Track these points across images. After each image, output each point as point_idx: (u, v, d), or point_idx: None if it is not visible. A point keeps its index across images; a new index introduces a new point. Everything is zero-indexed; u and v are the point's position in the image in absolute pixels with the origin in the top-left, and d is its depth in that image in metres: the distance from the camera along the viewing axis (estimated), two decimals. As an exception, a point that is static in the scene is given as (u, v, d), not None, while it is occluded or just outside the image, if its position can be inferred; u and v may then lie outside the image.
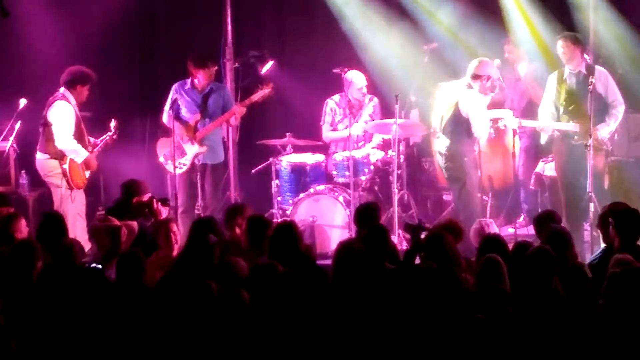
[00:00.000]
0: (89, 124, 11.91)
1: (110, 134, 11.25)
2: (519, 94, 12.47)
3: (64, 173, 10.99)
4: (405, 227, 8.93)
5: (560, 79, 11.09)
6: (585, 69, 11.00)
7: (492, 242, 7.92)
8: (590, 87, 10.54)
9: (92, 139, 11.30)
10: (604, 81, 10.96)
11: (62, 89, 11.13)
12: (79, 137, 11.12)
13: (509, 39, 12.57)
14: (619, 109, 11.03)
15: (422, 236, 8.00)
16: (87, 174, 11.20)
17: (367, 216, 8.98)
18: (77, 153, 11.08)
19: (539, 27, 12.46)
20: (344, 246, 7.53)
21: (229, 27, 12.51)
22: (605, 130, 10.92)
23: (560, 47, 11.03)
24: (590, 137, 10.52)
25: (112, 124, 11.24)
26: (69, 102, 11.06)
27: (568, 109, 11.02)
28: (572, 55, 10.99)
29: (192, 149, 11.59)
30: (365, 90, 12.26)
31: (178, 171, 11.31)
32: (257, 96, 11.74)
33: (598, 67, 11.15)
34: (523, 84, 12.42)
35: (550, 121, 11.08)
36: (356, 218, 9.17)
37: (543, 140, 11.30)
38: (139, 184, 9.99)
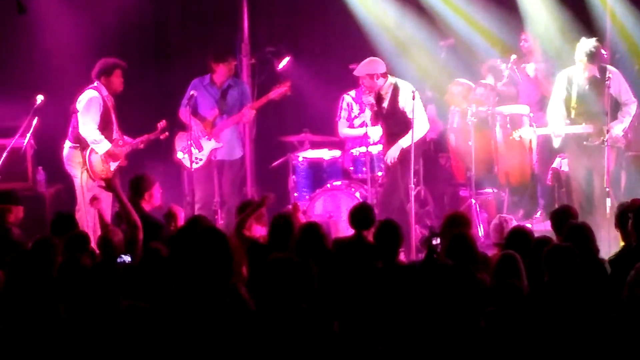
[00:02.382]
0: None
1: (153, 132, 11.27)
2: (532, 88, 12.43)
3: (83, 162, 11.02)
4: (421, 241, 8.94)
5: (571, 80, 11.04)
6: (598, 72, 10.94)
7: (519, 235, 7.92)
8: (608, 82, 10.53)
9: (127, 138, 11.32)
10: (616, 81, 10.92)
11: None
12: (105, 127, 11.15)
13: (527, 35, 12.55)
14: (632, 107, 11.02)
15: (435, 242, 7.93)
16: (113, 166, 11.19)
17: (362, 217, 8.88)
18: (98, 143, 11.10)
19: (555, 23, 12.43)
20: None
21: (245, 23, 12.52)
22: (619, 128, 10.91)
23: (580, 62, 10.94)
24: (607, 133, 10.52)
25: (160, 123, 11.27)
26: (99, 92, 11.11)
27: (580, 110, 10.98)
28: (590, 69, 10.94)
29: (208, 145, 11.61)
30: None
31: (194, 166, 11.32)
32: (273, 94, 11.75)
33: (610, 67, 11.09)
34: (534, 80, 12.39)
35: (562, 125, 11.02)
36: (350, 219, 8.91)
37: (556, 144, 11.22)
38: (144, 180, 9.83)
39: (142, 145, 11.33)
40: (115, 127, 11.28)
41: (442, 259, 7.26)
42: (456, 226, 8.18)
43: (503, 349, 5.92)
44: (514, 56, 12.50)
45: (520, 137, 11.46)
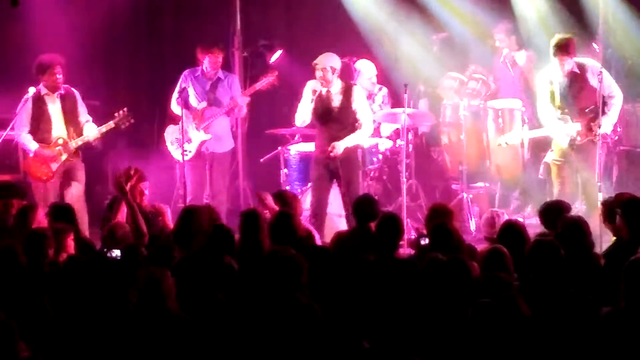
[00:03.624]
0: (97, 112, 11.92)
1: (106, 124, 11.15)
2: (515, 79, 12.42)
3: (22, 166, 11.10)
4: (410, 244, 8.99)
5: (551, 79, 10.99)
6: (576, 67, 10.90)
7: (511, 229, 7.95)
8: (599, 76, 10.51)
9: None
10: (597, 75, 10.90)
11: None
12: (38, 127, 11.09)
13: (500, 27, 12.52)
14: (616, 100, 10.91)
15: (424, 242, 7.96)
16: (55, 166, 11.06)
17: (366, 208, 8.88)
18: (25, 146, 11.14)
19: (547, 16, 12.45)
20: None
21: (238, 16, 12.50)
22: (608, 122, 10.83)
23: (554, 56, 10.88)
24: (598, 128, 10.54)
25: (119, 112, 11.18)
26: (36, 92, 11.08)
27: (565, 108, 10.97)
28: (565, 63, 10.87)
29: (197, 136, 11.55)
30: (375, 80, 12.27)
31: (185, 158, 11.27)
32: (260, 84, 11.71)
33: (590, 61, 11.05)
34: (520, 69, 12.37)
35: (553, 127, 11.00)
36: (354, 211, 9.00)
37: (565, 143, 11.10)
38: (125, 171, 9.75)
39: (94, 142, 11.18)
40: (55, 126, 11.12)
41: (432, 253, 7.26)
42: (439, 218, 8.21)
43: (491, 341, 5.93)
44: (506, 50, 12.51)
45: (507, 143, 11.38)
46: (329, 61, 10.87)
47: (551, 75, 10.99)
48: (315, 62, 10.88)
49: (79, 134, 11.19)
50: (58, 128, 11.15)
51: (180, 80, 11.70)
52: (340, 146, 10.80)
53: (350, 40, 12.83)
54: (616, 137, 11.32)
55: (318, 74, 10.86)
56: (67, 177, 11.16)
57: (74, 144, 11.13)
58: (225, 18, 12.58)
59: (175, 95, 11.65)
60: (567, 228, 7.76)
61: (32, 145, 11.10)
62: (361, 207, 8.82)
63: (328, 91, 10.87)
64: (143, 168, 9.71)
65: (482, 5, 12.76)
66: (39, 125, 11.12)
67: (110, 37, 13.68)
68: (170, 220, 9.35)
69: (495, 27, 12.55)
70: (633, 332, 6.10)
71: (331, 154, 10.78)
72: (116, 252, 7.86)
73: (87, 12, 13.06)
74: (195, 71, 11.76)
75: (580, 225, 7.82)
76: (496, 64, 12.62)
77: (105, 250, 7.98)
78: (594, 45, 11.70)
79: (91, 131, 11.17)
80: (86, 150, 11.39)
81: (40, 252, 7.65)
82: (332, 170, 10.93)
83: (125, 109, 11.20)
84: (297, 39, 13.49)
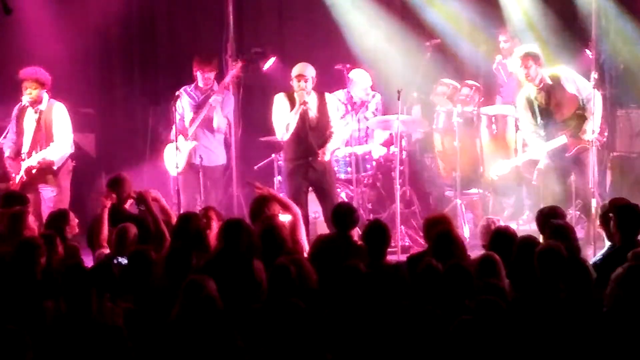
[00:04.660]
0: (92, 120, 11.92)
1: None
2: (513, 85, 12.43)
3: None
4: None
5: (530, 101, 10.93)
6: (548, 78, 10.82)
7: (502, 236, 7.94)
8: (593, 80, 10.48)
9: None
10: (571, 79, 10.84)
11: None
12: (15, 140, 11.06)
13: (505, 29, 12.55)
14: (595, 100, 10.70)
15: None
16: (17, 178, 10.92)
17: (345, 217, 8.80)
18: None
19: (537, 21, 12.45)
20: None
21: (231, 24, 12.49)
22: (590, 127, 10.72)
23: (525, 67, 10.79)
24: (585, 134, 10.53)
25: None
26: (20, 104, 11.07)
27: (548, 124, 10.92)
28: (537, 73, 10.83)
29: (185, 146, 11.49)
30: (369, 90, 12.28)
31: (177, 170, 11.21)
32: (227, 78, 11.69)
33: (559, 69, 10.96)
34: (514, 76, 12.39)
35: (541, 146, 10.96)
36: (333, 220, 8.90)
37: (542, 165, 11.11)
38: (125, 181, 9.74)
39: (37, 164, 10.88)
40: (25, 140, 11.01)
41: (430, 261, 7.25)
42: (438, 226, 8.20)
43: (484, 345, 5.93)
44: (499, 56, 12.53)
45: (497, 175, 11.38)
46: (312, 71, 10.93)
47: (527, 94, 10.94)
48: (299, 72, 10.89)
49: None
50: (26, 143, 11.01)
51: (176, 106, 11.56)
52: (327, 153, 10.89)
53: (343, 48, 12.83)
54: (604, 139, 11.27)
55: (301, 84, 10.85)
56: (33, 189, 10.93)
57: (26, 164, 10.92)
58: (218, 25, 12.56)
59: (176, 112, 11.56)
60: (553, 233, 7.78)
61: (6, 154, 11.09)
62: (340, 216, 8.74)
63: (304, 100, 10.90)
64: (136, 177, 9.76)
65: (476, 10, 12.77)
66: (16, 137, 11.06)
67: (105, 46, 13.68)
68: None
69: (496, 30, 12.57)
70: (619, 337, 6.13)
71: (319, 160, 10.83)
72: (124, 260, 7.91)
73: (82, 21, 13.06)
74: (190, 87, 11.72)
75: (566, 230, 7.86)
76: (489, 70, 12.63)
77: (113, 257, 8.03)
78: (587, 51, 11.70)
79: (38, 156, 10.95)
80: (80, 158, 11.39)
81: (33, 261, 7.64)
82: (310, 180, 10.96)
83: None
84: (289, 46, 13.49)
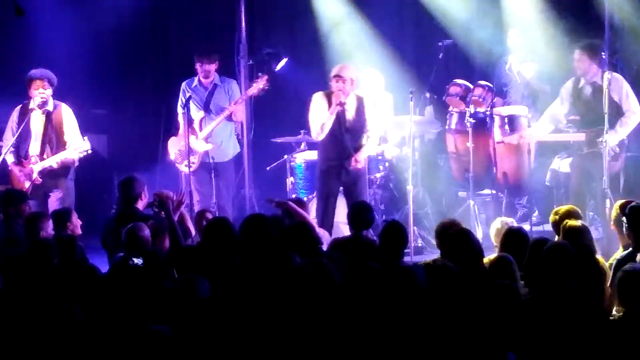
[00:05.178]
0: (104, 121, 11.92)
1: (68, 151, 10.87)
2: (521, 86, 12.41)
3: None
4: None
5: (576, 89, 10.96)
6: (600, 79, 10.78)
7: (515, 237, 7.91)
8: (609, 87, 10.44)
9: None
10: (618, 88, 10.80)
11: None
12: (18, 143, 10.92)
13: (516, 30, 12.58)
14: (632, 118, 10.81)
15: None
16: (27, 184, 10.82)
17: (362, 216, 8.80)
18: (6, 160, 10.97)
19: (550, 23, 12.43)
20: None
21: (243, 24, 12.50)
22: (614, 139, 10.74)
23: (577, 59, 10.84)
24: (603, 142, 10.50)
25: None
26: (23, 107, 10.99)
27: (584, 118, 10.92)
28: (589, 68, 10.85)
29: (199, 146, 11.51)
30: (382, 90, 12.26)
31: (188, 169, 11.23)
32: (251, 90, 11.65)
33: (614, 75, 10.95)
34: (526, 79, 12.38)
35: (554, 132, 10.99)
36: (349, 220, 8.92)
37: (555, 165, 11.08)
38: (137, 182, 9.66)
39: (56, 165, 10.81)
40: (33, 143, 10.94)
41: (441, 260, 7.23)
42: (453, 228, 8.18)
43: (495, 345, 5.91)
44: (508, 57, 12.51)
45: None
46: (351, 72, 10.81)
47: (574, 84, 10.97)
48: (337, 73, 10.76)
49: None
50: (35, 145, 10.94)
51: (181, 93, 11.66)
52: (363, 158, 10.82)
53: (356, 49, 12.82)
54: (617, 150, 11.22)
55: (339, 85, 10.72)
56: (43, 193, 10.91)
57: (39, 166, 10.85)
58: (231, 27, 12.57)
59: (179, 110, 11.58)
60: (568, 234, 7.80)
61: (9, 159, 10.96)
62: (357, 214, 8.74)
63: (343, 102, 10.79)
64: (149, 178, 9.73)
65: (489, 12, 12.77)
66: (20, 140, 10.94)
67: (116, 47, 13.69)
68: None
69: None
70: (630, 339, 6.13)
71: (354, 166, 10.73)
72: (138, 261, 7.90)
73: (92, 22, 13.08)
74: (192, 81, 11.73)
75: (581, 231, 7.87)
76: (502, 71, 12.61)
77: (128, 259, 8.02)
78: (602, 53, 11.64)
79: (57, 157, 10.87)
80: (92, 159, 11.38)
81: (47, 261, 7.65)
82: (344, 182, 10.89)
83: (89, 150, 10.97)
84: (302, 47, 13.47)
